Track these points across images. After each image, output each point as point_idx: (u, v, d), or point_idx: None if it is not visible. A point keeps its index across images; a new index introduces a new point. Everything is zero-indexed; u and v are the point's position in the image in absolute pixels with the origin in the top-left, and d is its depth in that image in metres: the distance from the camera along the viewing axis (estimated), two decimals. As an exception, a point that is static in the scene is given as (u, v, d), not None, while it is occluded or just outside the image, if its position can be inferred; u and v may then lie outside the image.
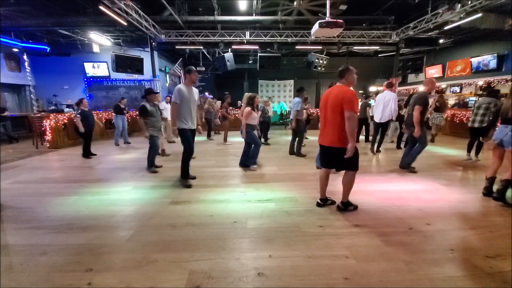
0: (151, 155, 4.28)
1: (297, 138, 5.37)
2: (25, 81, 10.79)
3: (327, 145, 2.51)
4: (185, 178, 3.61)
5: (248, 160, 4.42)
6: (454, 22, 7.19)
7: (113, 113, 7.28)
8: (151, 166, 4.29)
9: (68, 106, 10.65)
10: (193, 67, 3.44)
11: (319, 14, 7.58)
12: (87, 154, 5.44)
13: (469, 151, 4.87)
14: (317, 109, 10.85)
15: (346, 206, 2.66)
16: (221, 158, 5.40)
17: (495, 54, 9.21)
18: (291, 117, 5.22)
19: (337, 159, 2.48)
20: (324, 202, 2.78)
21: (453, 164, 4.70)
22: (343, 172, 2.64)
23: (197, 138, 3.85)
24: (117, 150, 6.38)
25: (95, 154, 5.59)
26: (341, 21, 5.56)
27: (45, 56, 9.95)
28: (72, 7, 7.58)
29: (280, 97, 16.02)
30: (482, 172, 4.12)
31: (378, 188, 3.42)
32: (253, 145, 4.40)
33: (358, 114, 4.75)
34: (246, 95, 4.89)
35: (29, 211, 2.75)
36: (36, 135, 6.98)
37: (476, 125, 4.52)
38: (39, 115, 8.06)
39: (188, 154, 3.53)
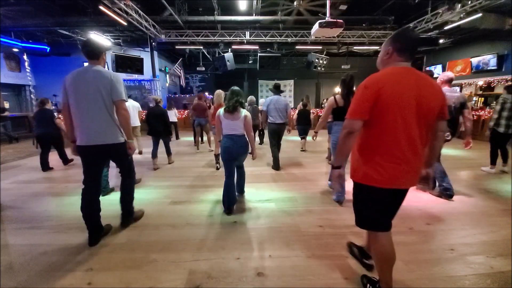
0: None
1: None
2: (25, 81, 10.81)
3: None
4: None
5: None
6: (454, 22, 7.18)
7: None
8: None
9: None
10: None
11: (319, 14, 7.57)
12: (44, 166, 4.46)
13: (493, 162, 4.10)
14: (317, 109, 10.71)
15: None
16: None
17: (495, 54, 9.21)
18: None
19: None
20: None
21: (453, 163, 4.70)
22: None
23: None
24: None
25: (52, 168, 4.54)
26: (341, 21, 5.55)
27: (45, 56, 9.94)
28: (72, 7, 7.58)
29: None
30: (483, 172, 4.13)
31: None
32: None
33: None
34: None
35: (29, 211, 2.76)
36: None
37: (502, 129, 3.89)
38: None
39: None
